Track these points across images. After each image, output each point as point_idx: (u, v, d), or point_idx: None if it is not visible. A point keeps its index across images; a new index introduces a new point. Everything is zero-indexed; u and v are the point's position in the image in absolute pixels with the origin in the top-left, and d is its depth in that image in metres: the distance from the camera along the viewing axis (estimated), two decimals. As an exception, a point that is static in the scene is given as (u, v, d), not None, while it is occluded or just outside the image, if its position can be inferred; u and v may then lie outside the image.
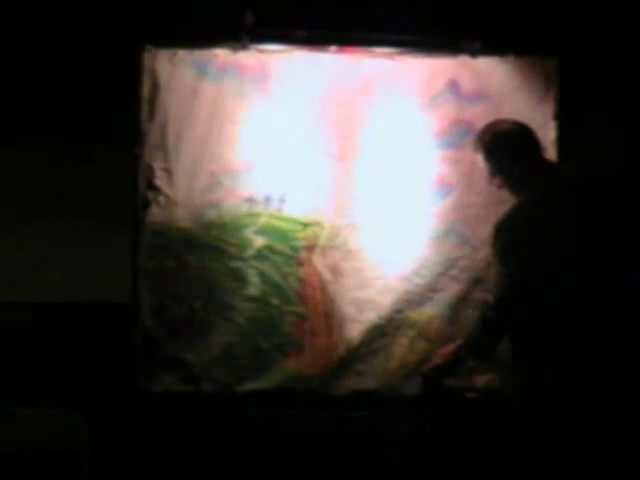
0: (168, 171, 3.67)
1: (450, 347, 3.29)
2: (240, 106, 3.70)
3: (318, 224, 3.74)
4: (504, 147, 3.18)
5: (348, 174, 3.77)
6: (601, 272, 3.05)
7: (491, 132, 3.23)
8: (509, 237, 3.09)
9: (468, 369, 3.61)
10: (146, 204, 3.67)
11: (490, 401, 3.72)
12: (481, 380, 3.76)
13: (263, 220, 3.68)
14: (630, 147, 3.80)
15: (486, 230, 3.54)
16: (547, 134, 3.77)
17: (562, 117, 3.78)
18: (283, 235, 3.73)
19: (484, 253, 3.71)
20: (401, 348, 3.73)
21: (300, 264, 3.74)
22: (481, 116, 3.71)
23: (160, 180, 3.67)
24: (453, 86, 3.80)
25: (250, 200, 3.67)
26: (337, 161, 3.75)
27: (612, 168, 3.52)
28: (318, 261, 3.74)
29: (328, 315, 3.71)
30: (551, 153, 3.79)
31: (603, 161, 3.66)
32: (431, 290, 3.75)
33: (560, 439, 3.02)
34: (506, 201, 3.51)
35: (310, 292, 3.73)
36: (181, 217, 3.66)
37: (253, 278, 3.68)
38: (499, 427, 3.47)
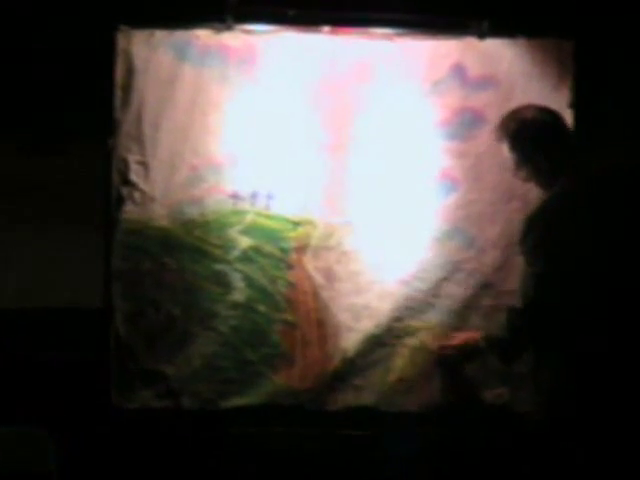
0: (144, 164, 3.46)
1: (471, 334, 3.23)
2: (224, 93, 3.47)
3: (310, 223, 3.50)
4: (531, 136, 3.05)
5: (343, 168, 3.53)
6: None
7: (516, 119, 3.09)
8: (540, 234, 2.94)
9: (474, 384, 3.44)
10: (120, 201, 3.45)
11: (499, 418, 3.49)
12: (489, 395, 3.51)
13: (249, 219, 3.46)
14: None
15: (494, 230, 3.49)
16: (563, 122, 3.49)
17: (578, 105, 3.54)
18: (271, 235, 3.49)
19: (492, 255, 3.53)
20: (401, 360, 3.48)
21: (290, 267, 3.49)
22: (489, 104, 3.54)
23: (135, 174, 3.45)
24: (458, 71, 3.55)
25: (235, 197, 3.45)
26: (331, 154, 3.52)
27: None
28: (310, 264, 3.49)
29: (321, 323, 3.47)
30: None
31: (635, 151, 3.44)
32: (434, 296, 3.50)
33: (584, 457, 2.90)
34: (517, 197, 3.45)
35: (301, 298, 3.48)
36: (159, 215, 3.44)
37: (238, 282, 3.45)
38: (510, 447, 3.35)
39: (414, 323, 3.50)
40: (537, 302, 2.93)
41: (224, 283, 3.45)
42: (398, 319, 3.49)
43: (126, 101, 3.47)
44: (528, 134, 3.06)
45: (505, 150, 3.14)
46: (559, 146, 3.06)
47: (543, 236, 2.96)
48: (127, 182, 3.46)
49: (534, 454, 3.05)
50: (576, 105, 3.54)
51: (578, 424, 2.91)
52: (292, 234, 3.49)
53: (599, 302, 2.92)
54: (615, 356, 2.90)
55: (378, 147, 3.54)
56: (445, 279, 3.51)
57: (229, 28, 3.48)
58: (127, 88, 3.47)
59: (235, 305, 3.45)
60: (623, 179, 3.07)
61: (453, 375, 3.40)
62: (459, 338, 3.29)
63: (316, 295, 3.48)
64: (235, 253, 3.45)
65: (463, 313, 3.50)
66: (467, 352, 3.26)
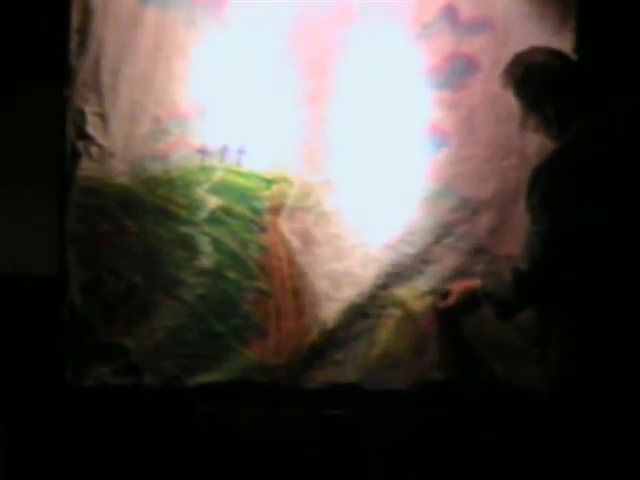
0: (103, 116, 3.25)
1: (469, 283, 3.09)
2: (190, 37, 3.25)
3: (285, 181, 3.25)
4: (540, 81, 2.87)
5: (322, 120, 3.26)
6: None
7: (523, 63, 2.91)
8: (548, 188, 2.77)
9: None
10: (75, 156, 3.23)
11: (493, 396, 3.24)
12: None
13: (218, 176, 3.23)
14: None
15: (488, 189, 3.28)
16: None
17: (582, 52, 3.25)
18: (242, 194, 3.25)
19: (487, 217, 3.28)
20: (386, 332, 3.24)
21: (263, 229, 3.24)
22: (483, 49, 3.28)
23: (93, 127, 3.24)
24: (450, 12, 3.26)
25: (203, 151, 3.24)
26: (309, 104, 3.25)
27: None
28: (285, 226, 3.25)
29: (297, 292, 3.24)
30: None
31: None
32: (422, 261, 3.25)
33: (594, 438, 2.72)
34: (514, 153, 3.26)
35: (275, 264, 3.24)
36: (118, 172, 3.22)
37: (205, 247, 3.21)
38: (505, 426, 3.15)
39: (400, 291, 3.26)
40: (543, 264, 2.75)
41: (190, 247, 3.22)
42: (383, 287, 3.25)
43: (83, 46, 3.26)
44: (536, 79, 2.88)
45: (507, 99, 2.96)
46: (570, 93, 2.87)
47: (551, 190, 2.77)
48: (83, 136, 3.24)
49: (534, 436, 2.93)
50: (579, 51, 3.27)
51: (588, 402, 2.73)
52: (265, 193, 3.26)
53: (610, 264, 2.73)
54: (629, 324, 2.72)
55: (361, 97, 3.27)
56: (435, 243, 3.26)
57: (196, -36, 3.24)
58: (84, 32, 3.25)
59: (202, 272, 3.23)
60: (632, 127, 2.85)
61: (452, 330, 3.21)
62: (457, 287, 3.12)
63: (292, 261, 3.24)
64: (202, 214, 3.23)
65: (454, 280, 3.23)
66: (465, 302, 3.10)
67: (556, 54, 2.95)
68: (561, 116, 2.86)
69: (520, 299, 2.88)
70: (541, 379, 2.89)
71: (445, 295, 3.16)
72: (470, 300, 3.06)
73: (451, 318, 3.16)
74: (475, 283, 3.06)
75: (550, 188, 2.77)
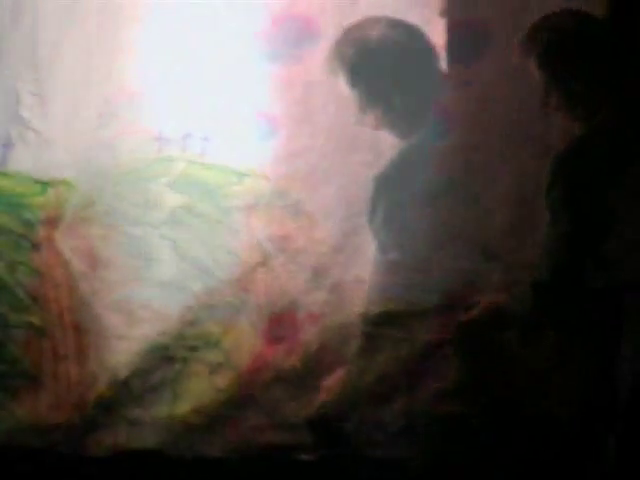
0: (40, 97, 2.94)
1: (336, 377, 2.66)
2: (142, 2, 2.92)
3: (64, 183, 2.80)
4: (569, 51, 2.57)
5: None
6: None
7: (551, 28, 2.60)
8: (572, 181, 2.47)
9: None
10: (9, 144, 2.91)
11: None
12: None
13: (179, 168, 2.89)
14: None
15: (331, 192, 2.79)
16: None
17: (617, 15, 2.82)
18: (9, 202, 2.79)
19: (329, 228, 2.77)
20: (197, 381, 2.75)
21: (36, 247, 2.77)
22: (323, 9, 2.78)
23: (29, 110, 2.93)
24: None
25: (160, 139, 2.90)
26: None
27: None
28: (64, 242, 2.77)
29: (79, 328, 2.76)
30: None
31: None
32: (244, 290, 2.77)
33: None
34: (366, 146, 2.72)
35: (52, 292, 2.76)
36: (60, 164, 2.87)
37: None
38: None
39: (216, 329, 2.75)
40: (567, 271, 2.48)
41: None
42: (193, 323, 2.76)
43: (16, 15, 2.97)
44: (565, 48, 2.57)
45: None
46: (601, 68, 2.57)
47: (575, 184, 2.48)
48: (18, 120, 2.91)
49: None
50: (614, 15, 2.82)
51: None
52: (39, 200, 2.80)
53: None
54: None
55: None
56: (260, 265, 2.78)
57: None
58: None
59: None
60: None
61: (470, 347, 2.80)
62: (324, 390, 2.67)
63: (72, 287, 2.73)
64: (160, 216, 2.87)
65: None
66: (493, 316, 2.71)
67: (398, 25, 2.57)
68: (591, 94, 2.54)
69: (543, 318, 2.58)
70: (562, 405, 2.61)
71: (469, 308, 2.76)
72: (498, 314, 2.69)
73: (472, 333, 2.74)
74: (502, 298, 2.69)
75: (574, 182, 2.46)
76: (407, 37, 2.54)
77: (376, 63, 2.52)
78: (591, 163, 2.51)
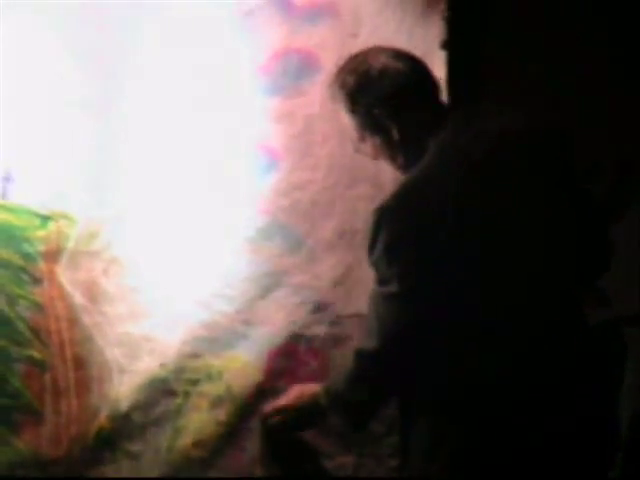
0: None
1: (307, 388, 2.40)
2: None
3: (65, 217, 2.57)
4: (379, 94, 2.27)
5: (113, 137, 2.58)
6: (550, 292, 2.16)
7: (357, 70, 2.30)
8: (397, 233, 2.14)
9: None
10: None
11: None
12: (328, 466, 2.60)
13: None
14: (561, 90, 2.68)
15: (332, 226, 2.64)
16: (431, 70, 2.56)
17: (454, 46, 2.62)
18: (10, 235, 2.56)
19: (328, 262, 2.64)
20: (198, 415, 2.59)
21: (37, 281, 2.57)
22: (324, 43, 2.65)
23: None
24: None
25: None
26: (96, 116, 2.57)
27: (548, 120, 2.35)
28: (65, 276, 2.58)
29: (81, 362, 2.59)
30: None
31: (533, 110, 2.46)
32: (244, 322, 2.61)
33: None
34: (365, 179, 2.61)
35: (53, 326, 2.58)
36: None
37: None
38: None
39: (216, 362, 2.61)
40: (395, 337, 2.15)
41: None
42: (193, 356, 2.60)
43: None
44: (375, 91, 2.27)
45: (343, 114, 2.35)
46: (421, 109, 2.28)
47: (401, 237, 2.13)
48: None
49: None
50: (451, 45, 2.62)
51: None
52: (40, 233, 2.59)
53: (488, 326, 2.13)
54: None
55: (164, 106, 2.58)
56: (261, 298, 2.62)
57: None
58: None
59: (-46, 337, 2.56)
60: (521, 149, 2.21)
61: (283, 447, 2.54)
62: (291, 395, 2.44)
63: (75, 321, 2.57)
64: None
65: (287, 347, 2.60)
66: (304, 415, 2.40)
67: (403, 57, 2.32)
68: (409, 137, 2.25)
69: (372, 394, 2.24)
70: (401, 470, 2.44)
71: (275, 411, 2.49)
72: (310, 411, 2.38)
73: (284, 435, 2.50)
74: (315, 388, 2.37)
75: (399, 234, 2.13)
76: (409, 67, 2.33)
77: (376, 92, 2.31)
78: (415, 213, 2.17)
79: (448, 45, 2.62)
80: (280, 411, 2.46)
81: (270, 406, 2.49)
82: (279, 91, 2.63)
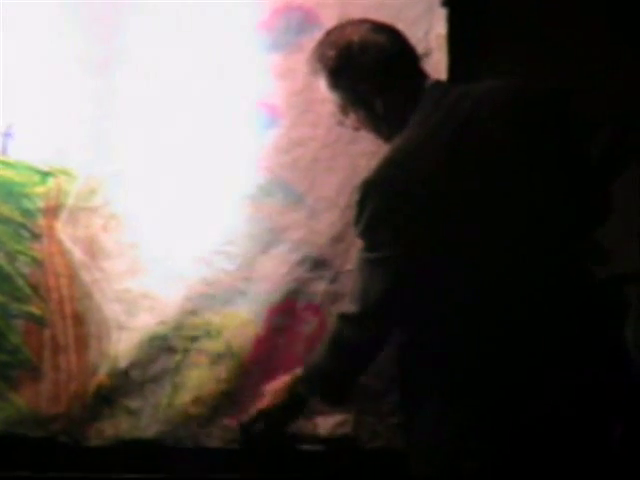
0: None
1: (282, 381, 2.38)
2: None
3: (65, 173, 2.57)
4: (363, 71, 2.23)
5: (113, 93, 2.57)
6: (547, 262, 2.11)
7: (336, 44, 2.25)
8: (385, 204, 2.12)
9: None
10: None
11: (341, 455, 2.57)
12: (327, 424, 2.56)
13: None
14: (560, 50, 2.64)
15: (332, 183, 2.60)
16: (431, 27, 2.62)
17: (455, 2, 2.58)
18: (9, 191, 2.55)
19: (328, 219, 2.60)
20: (197, 371, 2.57)
21: (36, 237, 2.55)
22: (324, 0, 2.61)
23: None
24: None
25: None
26: (95, 74, 2.57)
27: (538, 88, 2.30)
28: (65, 232, 2.56)
29: (80, 318, 2.56)
30: (437, 58, 2.61)
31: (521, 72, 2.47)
32: (244, 279, 2.57)
33: None
34: (368, 136, 2.46)
35: (52, 282, 2.56)
36: None
37: None
38: None
39: (217, 318, 2.57)
40: (377, 304, 2.13)
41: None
42: (192, 312, 2.57)
43: None
44: (358, 68, 2.23)
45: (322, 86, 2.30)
46: (402, 82, 2.24)
47: (386, 209, 2.13)
48: None
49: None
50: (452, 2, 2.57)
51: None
52: (40, 189, 2.57)
53: (478, 300, 2.09)
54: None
55: (163, 63, 2.58)
56: (262, 253, 2.59)
57: None
58: None
59: (-48, 293, 2.56)
60: (504, 108, 2.16)
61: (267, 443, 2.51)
62: (266, 398, 2.39)
63: (74, 277, 2.55)
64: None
65: (287, 303, 2.58)
66: (285, 412, 2.37)
67: (384, 30, 2.25)
68: (392, 112, 2.22)
69: (342, 357, 2.21)
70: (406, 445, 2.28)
71: (256, 418, 2.44)
72: (288, 401, 2.35)
73: (262, 433, 2.43)
74: (291, 378, 2.34)
75: (382, 208, 2.11)
76: (390, 40, 2.26)
77: (356, 65, 2.25)
78: (401, 183, 2.14)
79: (449, 2, 2.61)
80: (260, 416, 2.41)
81: (247, 415, 2.44)
82: (280, 48, 2.60)
